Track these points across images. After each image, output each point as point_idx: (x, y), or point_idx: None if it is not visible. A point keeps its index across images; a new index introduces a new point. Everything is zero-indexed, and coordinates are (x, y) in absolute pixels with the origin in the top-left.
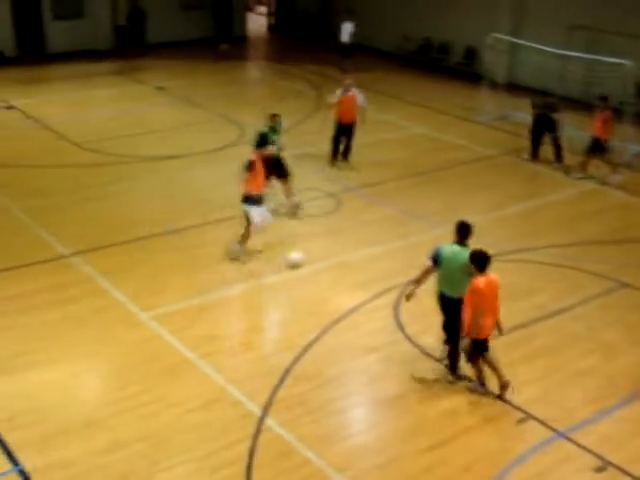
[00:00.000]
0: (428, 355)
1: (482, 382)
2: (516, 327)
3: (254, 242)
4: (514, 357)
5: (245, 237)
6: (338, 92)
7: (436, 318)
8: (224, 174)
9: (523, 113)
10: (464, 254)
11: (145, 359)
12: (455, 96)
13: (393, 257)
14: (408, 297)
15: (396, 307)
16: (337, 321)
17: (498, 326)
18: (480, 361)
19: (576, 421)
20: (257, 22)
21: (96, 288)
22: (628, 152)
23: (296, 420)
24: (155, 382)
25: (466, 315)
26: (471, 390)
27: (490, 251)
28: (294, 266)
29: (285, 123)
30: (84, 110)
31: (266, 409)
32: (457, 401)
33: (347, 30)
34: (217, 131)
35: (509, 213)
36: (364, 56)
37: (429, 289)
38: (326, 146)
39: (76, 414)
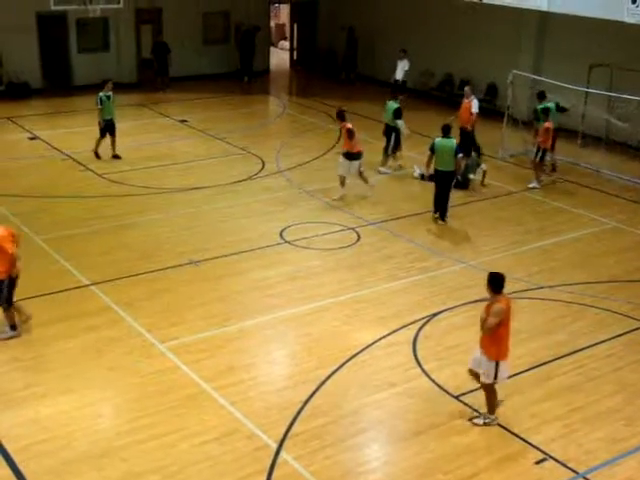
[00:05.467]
0: (446, 392)
1: (13, 326)
2: (536, 365)
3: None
4: (534, 395)
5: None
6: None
7: (456, 356)
8: (246, 206)
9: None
10: (450, 141)
11: (161, 390)
12: (476, 132)
13: (411, 292)
14: (428, 178)
15: (414, 343)
16: (354, 356)
17: None
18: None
19: (597, 462)
20: (280, 57)
21: (114, 318)
22: None
23: (312, 455)
24: (170, 413)
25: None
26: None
27: (511, 288)
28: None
29: (305, 157)
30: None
31: (281, 443)
32: (474, 439)
33: (402, 67)
34: (239, 163)
35: (528, 250)
36: (388, 92)
37: (448, 327)
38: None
39: (90, 444)
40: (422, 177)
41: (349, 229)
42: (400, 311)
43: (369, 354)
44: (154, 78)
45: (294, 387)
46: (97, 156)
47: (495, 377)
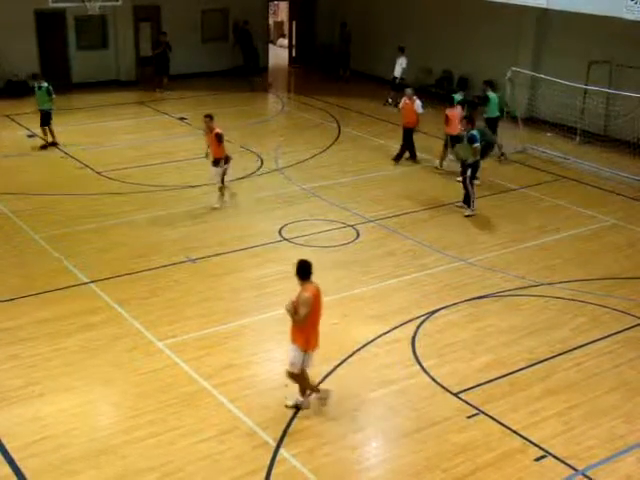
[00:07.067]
0: (445, 389)
1: None
2: (535, 362)
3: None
4: (533, 392)
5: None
6: (404, 99)
7: (455, 353)
8: (244, 203)
9: (542, 147)
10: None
11: (160, 388)
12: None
13: (410, 289)
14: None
15: (413, 340)
16: (353, 353)
17: None
18: None
19: (596, 459)
20: (279, 54)
21: (113, 316)
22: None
23: (311, 452)
24: (169, 411)
25: None
26: None
27: (510, 285)
28: None
29: (303, 155)
30: (106, 139)
31: (281, 441)
32: (474, 436)
33: (399, 65)
34: (238, 161)
35: (527, 247)
36: (387, 89)
37: (447, 324)
38: (344, 178)
39: (90, 442)
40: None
41: (348, 226)
42: (399, 308)
43: (368, 351)
44: (154, 76)
45: (293, 385)
46: (44, 146)
47: (300, 368)
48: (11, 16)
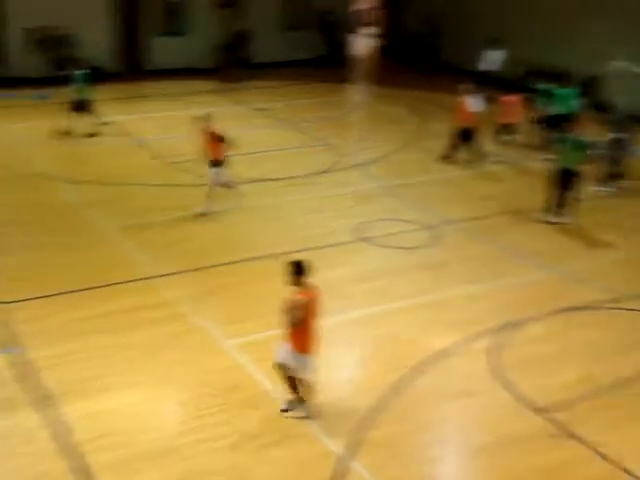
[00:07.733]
0: (526, 405)
1: None
2: (631, 380)
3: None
4: (627, 413)
5: None
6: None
7: (537, 368)
8: (320, 200)
9: None
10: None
11: (225, 388)
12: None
13: (491, 297)
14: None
15: (493, 351)
16: (428, 362)
17: None
18: None
19: None
20: (365, 44)
21: (180, 312)
22: None
23: (382, 464)
24: (234, 413)
25: None
26: None
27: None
28: None
29: (384, 150)
30: (180, 129)
31: (350, 450)
32: (554, 458)
33: (494, 58)
34: (315, 155)
35: (627, 256)
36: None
37: (529, 336)
38: (425, 177)
39: (152, 441)
40: None
41: (427, 228)
42: (478, 317)
43: (445, 361)
44: (233, 65)
45: (361, 392)
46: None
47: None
48: (87, 2)
